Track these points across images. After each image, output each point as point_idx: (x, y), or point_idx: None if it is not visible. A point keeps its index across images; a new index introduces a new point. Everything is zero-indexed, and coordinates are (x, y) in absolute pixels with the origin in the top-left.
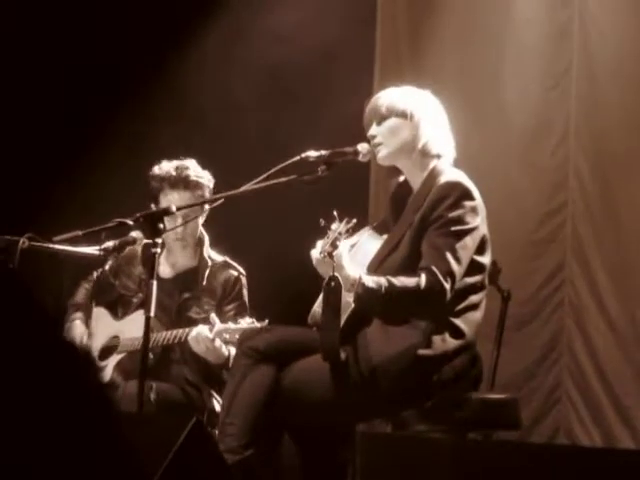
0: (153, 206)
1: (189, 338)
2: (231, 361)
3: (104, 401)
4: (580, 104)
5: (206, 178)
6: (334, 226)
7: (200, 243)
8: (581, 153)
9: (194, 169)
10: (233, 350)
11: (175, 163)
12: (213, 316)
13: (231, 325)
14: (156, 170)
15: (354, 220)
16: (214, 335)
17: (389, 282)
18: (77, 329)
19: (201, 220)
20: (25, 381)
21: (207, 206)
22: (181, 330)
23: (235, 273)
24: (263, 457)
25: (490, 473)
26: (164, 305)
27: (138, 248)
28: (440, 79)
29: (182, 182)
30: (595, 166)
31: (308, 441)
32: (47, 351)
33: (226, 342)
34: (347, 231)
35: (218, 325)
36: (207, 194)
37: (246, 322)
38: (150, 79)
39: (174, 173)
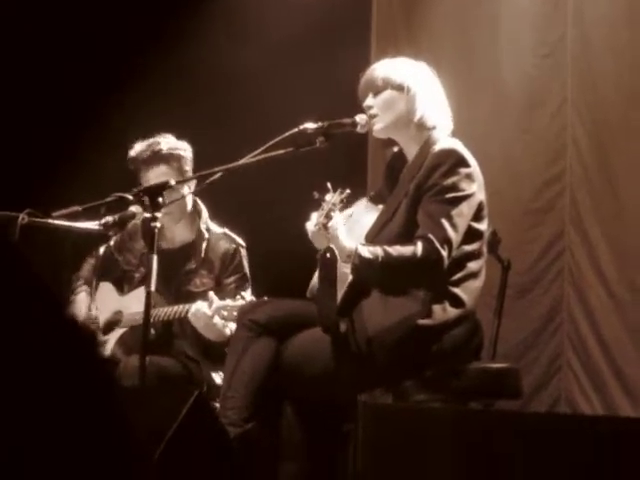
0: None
1: (189, 315)
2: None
3: (104, 376)
4: (576, 72)
5: (181, 148)
6: (328, 197)
7: (197, 215)
8: (578, 121)
9: (166, 142)
10: (232, 326)
11: (147, 141)
12: (211, 294)
13: (229, 302)
14: (131, 153)
15: (348, 190)
16: (212, 312)
17: (385, 251)
18: (83, 301)
19: (187, 191)
20: (26, 356)
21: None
22: (181, 306)
23: (234, 245)
24: (265, 430)
25: (491, 442)
26: (165, 279)
27: (139, 223)
28: (435, 49)
29: (155, 157)
30: (592, 133)
31: (309, 413)
32: (49, 326)
33: (224, 319)
34: (341, 202)
35: (216, 302)
36: (185, 164)
37: (245, 300)
38: (152, 54)
39: (147, 152)
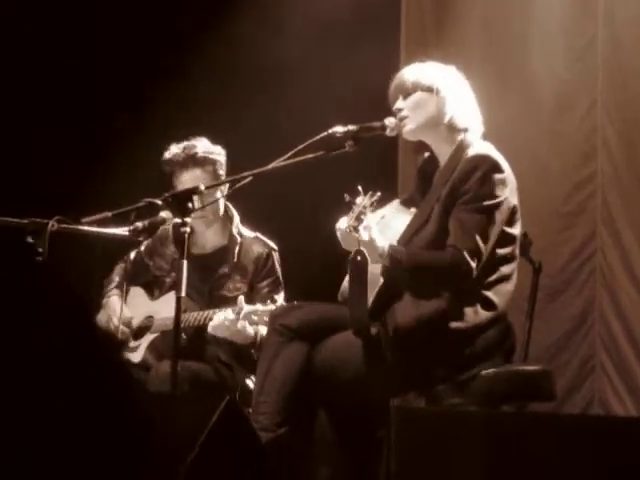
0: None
1: (209, 329)
2: (258, 340)
3: (125, 379)
4: (606, 72)
5: (216, 152)
6: (359, 200)
7: (229, 220)
8: (608, 121)
9: (202, 146)
10: (262, 329)
11: (182, 144)
12: (240, 298)
13: (259, 306)
14: (166, 155)
15: (378, 193)
16: (240, 317)
17: (417, 255)
18: (116, 303)
19: (220, 195)
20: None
21: (227, 185)
22: (209, 312)
23: (267, 249)
24: (297, 435)
25: (524, 445)
26: (197, 284)
27: (170, 228)
28: (465, 53)
29: (190, 160)
30: (623, 135)
31: (343, 418)
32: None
33: (255, 323)
34: (372, 205)
35: (246, 307)
36: (220, 168)
37: (275, 305)
38: (184, 56)
39: (182, 154)
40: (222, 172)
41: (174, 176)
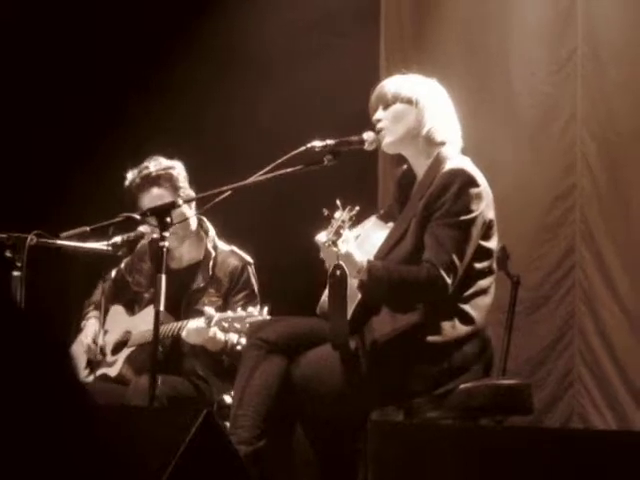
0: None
1: (183, 336)
2: (229, 346)
3: (79, 393)
4: (586, 87)
5: (171, 167)
6: (337, 214)
7: (204, 234)
8: (588, 136)
9: (155, 165)
10: (231, 337)
11: (136, 169)
12: (206, 308)
13: (230, 314)
14: (125, 184)
15: (357, 207)
16: (213, 324)
17: (394, 271)
18: (92, 327)
19: (188, 209)
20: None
21: (191, 193)
22: (184, 321)
23: (242, 262)
24: (276, 448)
25: (503, 459)
26: (173, 298)
27: (146, 244)
28: (445, 65)
29: (146, 182)
30: (602, 149)
31: (321, 431)
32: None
33: (225, 330)
34: (350, 219)
35: (217, 315)
36: (177, 182)
37: (245, 312)
38: (157, 71)
39: (137, 178)
40: (182, 185)
41: (137, 201)
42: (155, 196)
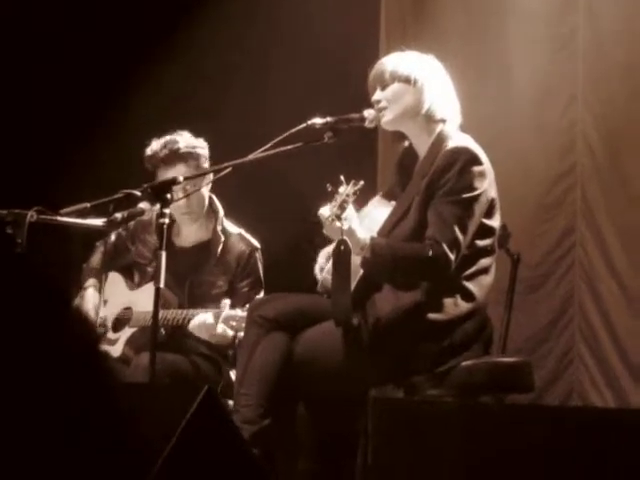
0: None
1: (190, 328)
2: (236, 342)
3: (106, 373)
4: (587, 65)
5: (199, 147)
6: (341, 189)
7: (214, 215)
8: (588, 115)
9: (184, 141)
10: (240, 334)
11: (163, 140)
12: (224, 302)
13: (239, 312)
14: (148, 152)
15: (361, 182)
16: (221, 321)
17: (397, 248)
18: (90, 298)
19: (206, 190)
20: (29, 353)
21: (210, 176)
22: (191, 311)
23: (249, 247)
24: (280, 426)
25: (502, 437)
26: (178, 278)
27: (153, 216)
28: (445, 44)
29: (174, 156)
30: (603, 127)
31: (321, 408)
32: (54, 325)
33: (234, 329)
34: (354, 193)
35: (226, 312)
36: (204, 162)
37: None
38: (159, 48)
39: (164, 150)
40: (205, 166)
41: (157, 172)
42: (179, 173)
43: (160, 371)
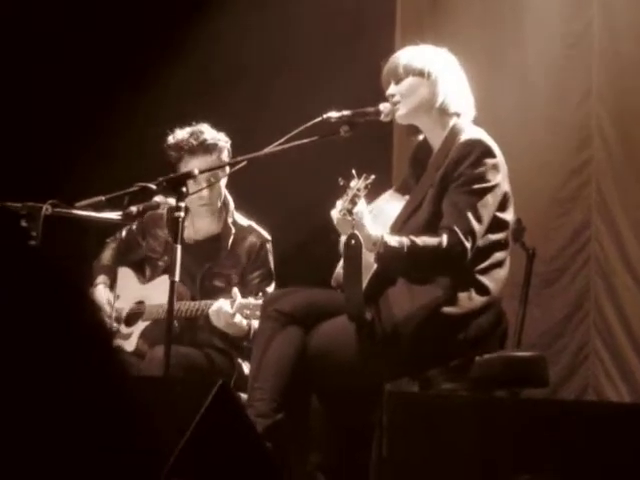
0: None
1: (210, 312)
2: (252, 334)
3: (119, 369)
4: (602, 60)
5: (222, 140)
6: (353, 183)
7: (225, 208)
8: (603, 109)
9: (209, 132)
10: (254, 323)
11: (189, 129)
12: (235, 290)
13: (252, 300)
14: (171, 140)
15: (372, 176)
16: (234, 310)
17: (411, 241)
18: (101, 294)
19: (223, 183)
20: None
21: (227, 169)
22: (203, 302)
23: (260, 239)
24: (294, 420)
25: (517, 431)
26: (190, 270)
27: (163, 210)
28: (461, 38)
29: (200, 147)
30: (618, 122)
31: (335, 402)
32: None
33: (247, 317)
34: (366, 187)
35: (239, 300)
36: (225, 155)
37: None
38: (174, 40)
39: (191, 140)
40: (226, 159)
41: (181, 161)
42: (204, 164)
43: (175, 365)
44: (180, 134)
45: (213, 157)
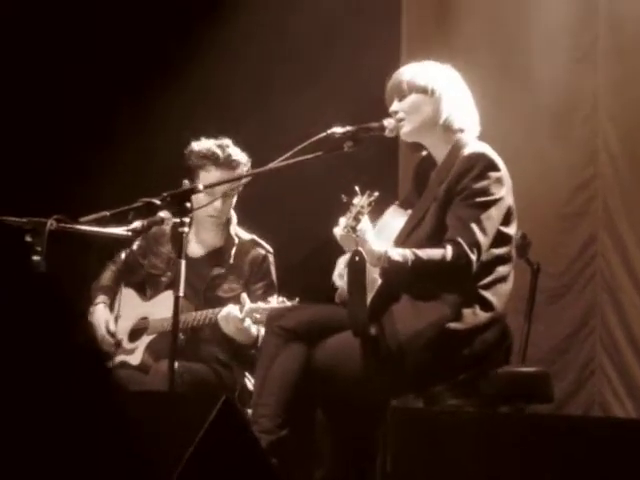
0: (187, 182)
1: (219, 318)
2: (260, 340)
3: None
4: (608, 75)
5: (245, 159)
6: (356, 200)
7: (227, 222)
8: (610, 124)
9: (234, 148)
10: (262, 331)
11: (216, 141)
12: (244, 296)
13: (261, 304)
14: (195, 147)
15: (376, 193)
16: (244, 315)
17: (415, 255)
18: (102, 315)
19: (235, 198)
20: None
21: (241, 183)
22: (211, 310)
23: (263, 252)
24: (298, 436)
25: (522, 447)
26: (193, 284)
27: (166, 227)
28: (467, 54)
29: (225, 160)
30: (625, 137)
31: (340, 418)
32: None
33: (256, 322)
34: (369, 204)
35: (248, 305)
36: (244, 173)
37: (277, 301)
38: (177, 60)
39: (218, 151)
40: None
41: (203, 169)
42: (225, 178)
43: (180, 379)
44: (207, 143)
45: (234, 173)
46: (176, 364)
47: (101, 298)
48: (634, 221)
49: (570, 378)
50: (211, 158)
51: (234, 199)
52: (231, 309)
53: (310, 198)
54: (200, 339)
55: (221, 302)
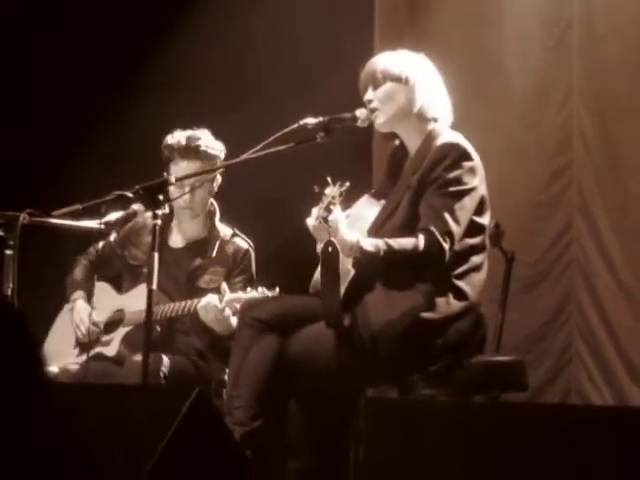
0: (165, 174)
1: (198, 307)
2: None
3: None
4: (582, 62)
5: (217, 149)
6: (328, 190)
7: (211, 215)
8: (584, 111)
9: (205, 139)
10: None
11: (187, 133)
12: (224, 286)
13: (241, 294)
14: (168, 139)
15: (347, 183)
16: (224, 305)
17: (387, 244)
18: (81, 307)
19: (211, 188)
20: None
21: (219, 176)
22: (190, 301)
23: (245, 245)
24: (272, 427)
25: (496, 436)
26: (173, 275)
27: (147, 219)
28: (440, 43)
29: (192, 152)
30: (599, 124)
31: (313, 409)
32: None
33: (235, 312)
34: (341, 195)
35: (228, 295)
36: (217, 164)
37: (257, 291)
38: (152, 49)
39: (185, 142)
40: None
41: (172, 161)
42: (194, 169)
43: (155, 371)
44: (178, 135)
45: (204, 164)
46: (151, 356)
47: (78, 293)
48: (608, 207)
49: (547, 366)
50: (179, 150)
51: (206, 191)
52: (211, 299)
53: (287, 189)
54: (175, 330)
55: (201, 293)
